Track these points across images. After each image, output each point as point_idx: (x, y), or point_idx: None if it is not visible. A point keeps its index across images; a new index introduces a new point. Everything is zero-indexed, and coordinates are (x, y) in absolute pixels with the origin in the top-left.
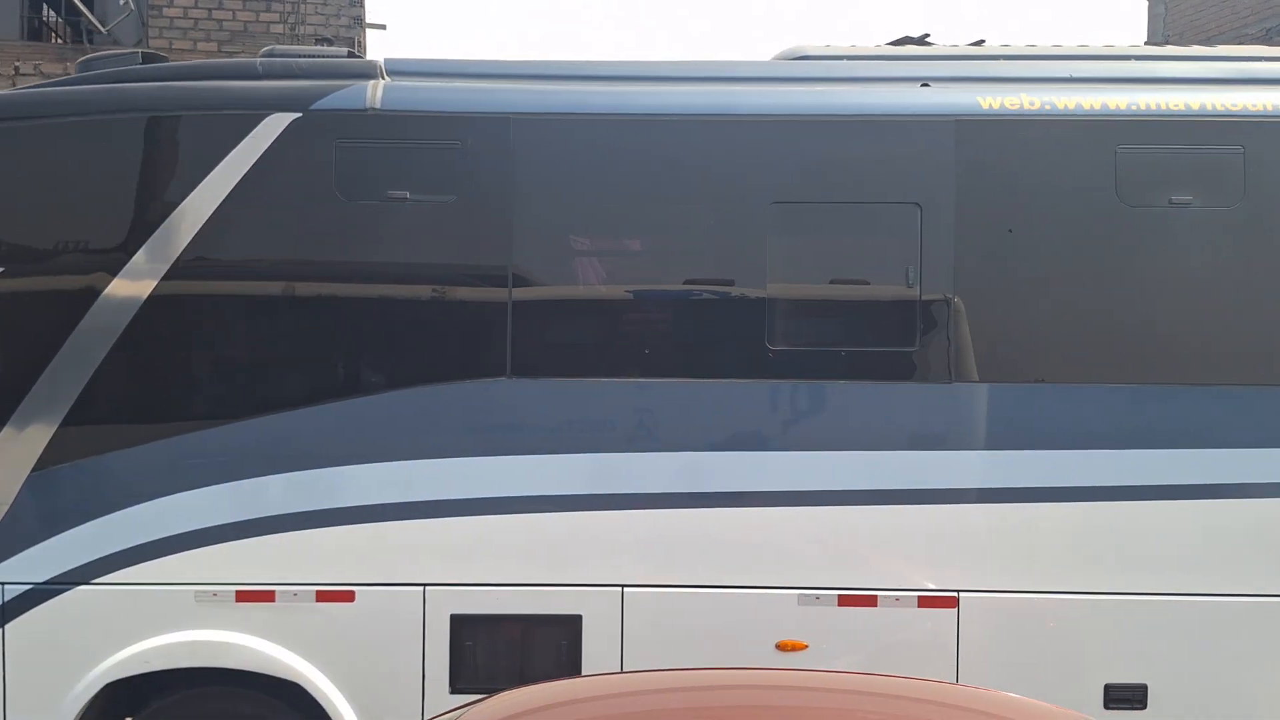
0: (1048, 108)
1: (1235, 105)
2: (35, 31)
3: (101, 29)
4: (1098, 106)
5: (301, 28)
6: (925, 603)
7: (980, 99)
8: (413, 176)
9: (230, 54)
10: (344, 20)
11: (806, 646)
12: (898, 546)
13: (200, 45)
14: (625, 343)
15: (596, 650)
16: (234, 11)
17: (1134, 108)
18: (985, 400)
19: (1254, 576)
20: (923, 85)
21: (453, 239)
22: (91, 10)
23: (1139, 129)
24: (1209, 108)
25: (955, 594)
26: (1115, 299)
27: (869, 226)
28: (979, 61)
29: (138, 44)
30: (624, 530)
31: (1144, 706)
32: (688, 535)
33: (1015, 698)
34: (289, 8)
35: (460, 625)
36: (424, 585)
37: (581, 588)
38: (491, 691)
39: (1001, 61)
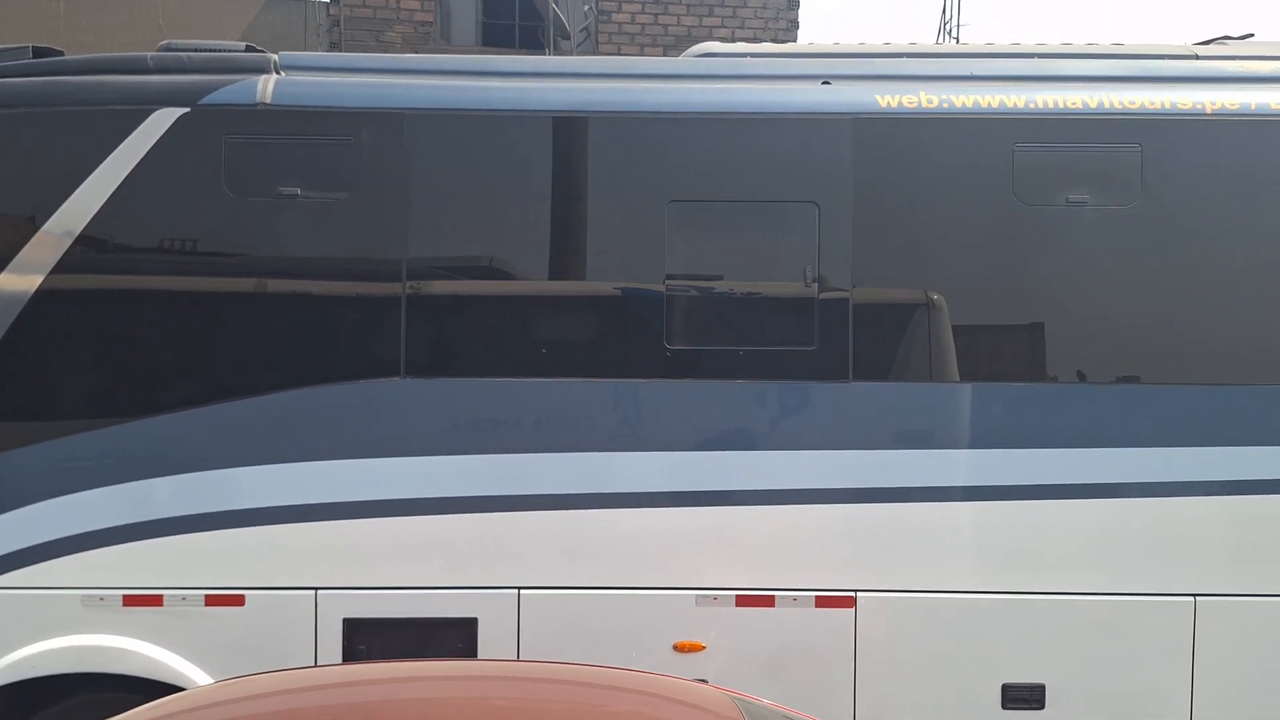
0: (945, 106)
1: (1133, 104)
2: (493, 37)
3: (568, 33)
4: (995, 105)
5: (740, 31)
6: (823, 603)
7: (879, 97)
8: (304, 173)
9: None
10: (782, 23)
11: (705, 647)
12: (796, 547)
13: (647, 51)
14: (522, 342)
15: (492, 653)
16: (678, 17)
17: (1032, 106)
18: (884, 399)
19: (1150, 575)
20: (824, 83)
21: (345, 236)
22: (552, 16)
23: (1036, 128)
24: (1107, 106)
25: (852, 594)
26: (1012, 297)
27: (767, 225)
28: (884, 60)
29: (582, 48)
30: (520, 532)
31: (1042, 707)
32: (585, 536)
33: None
34: (729, 12)
35: (353, 629)
36: (316, 589)
37: (477, 590)
38: None
39: (906, 59)
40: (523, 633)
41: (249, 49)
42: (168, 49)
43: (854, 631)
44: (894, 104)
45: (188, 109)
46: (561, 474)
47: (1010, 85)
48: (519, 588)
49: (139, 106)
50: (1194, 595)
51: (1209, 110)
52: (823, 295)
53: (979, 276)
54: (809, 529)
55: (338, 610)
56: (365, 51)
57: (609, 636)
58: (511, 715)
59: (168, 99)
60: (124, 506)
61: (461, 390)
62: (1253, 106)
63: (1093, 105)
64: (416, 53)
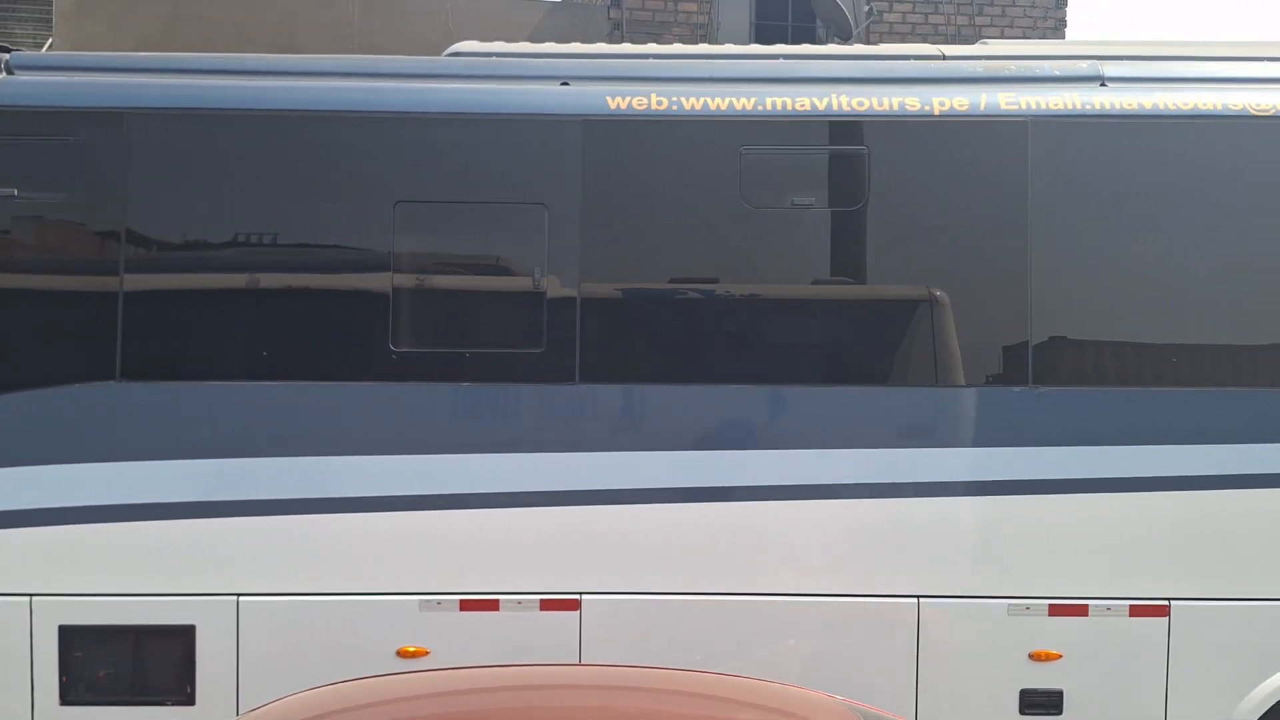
0: (674, 108)
1: (862, 105)
2: (766, 38)
3: (850, 32)
4: (724, 107)
5: (1009, 30)
6: (547, 606)
7: (609, 99)
8: (23, 172)
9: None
10: (1050, 23)
11: (429, 653)
12: (520, 550)
13: None
14: (243, 345)
15: (211, 661)
16: (949, 16)
17: (760, 108)
18: (610, 400)
19: (872, 576)
20: (563, 84)
21: (63, 237)
22: (832, 14)
23: (763, 130)
24: (835, 108)
25: (577, 596)
26: (740, 301)
27: (496, 227)
28: (628, 61)
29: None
30: (239, 538)
31: None
32: (306, 542)
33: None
34: (998, 11)
35: (70, 636)
36: (30, 595)
37: (195, 597)
38: (105, 705)
39: (651, 61)
40: (242, 641)
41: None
42: None
43: (579, 634)
44: (624, 105)
45: None
46: (281, 479)
47: (744, 87)
48: (238, 595)
49: None
50: (917, 597)
51: (937, 112)
52: (551, 297)
53: (707, 280)
54: (535, 532)
55: (53, 617)
56: None
57: (331, 643)
58: None
59: None
60: None
61: (178, 394)
62: (982, 107)
63: (821, 107)
64: None
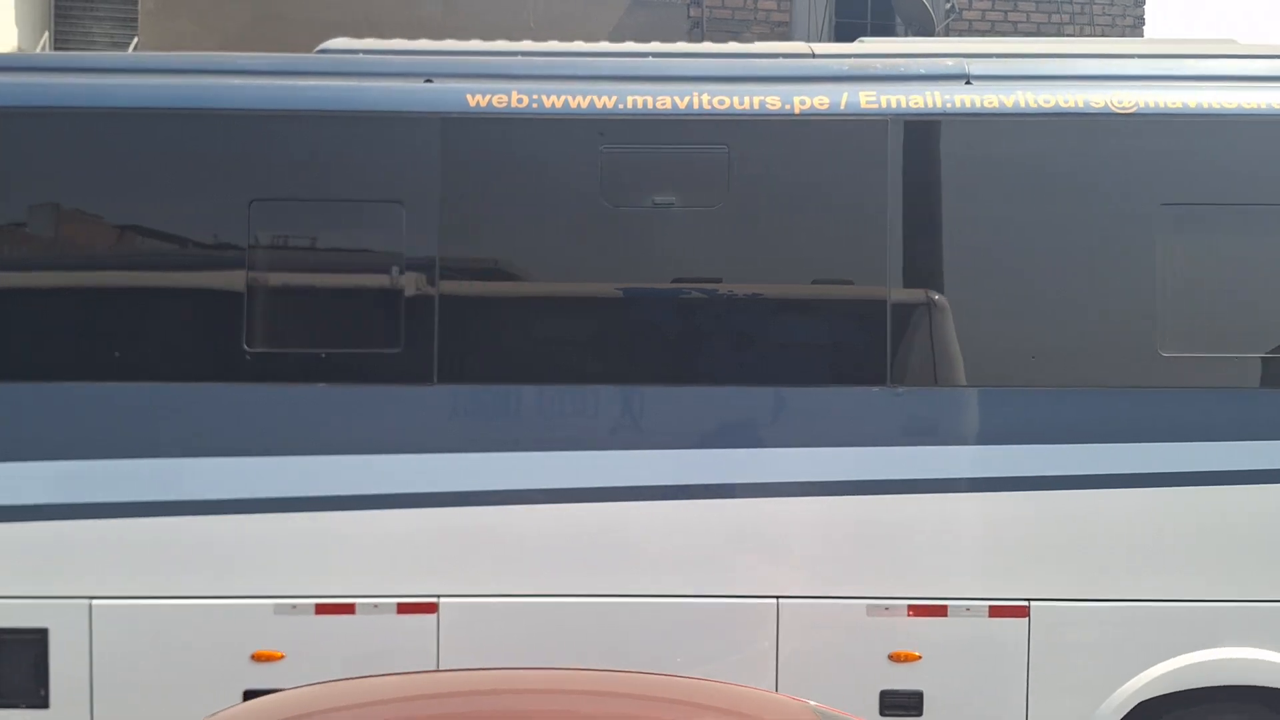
0: (535, 106)
1: (722, 104)
2: (845, 36)
3: (933, 29)
4: (585, 105)
5: (1089, 28)
6: (404, 609)
7: (469, 97)
8: None
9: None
10: (1129, 20)
11: (284, 656)
12: (378, 553)
13: None
14: (95, 345)
15: (65, 664)
16: (1027, 14)
17: (620, 107)
18: (468, 402)
19: (731, 577)
20: (426, 81)
21: None
22: (916, 11)
23: (623, 128)
24: (695, 107)
25: (435, 599)
26: (600, 300)
27: (353, 225)
28: (496, 58)
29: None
30: (92, 540)
31: None
32: (160, 544)
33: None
34: (1078, 8)
35: None
36: None
37: (47, 600)
38: None
39: (516, 58)
40: (96, 644)
41: None
42: None
43: (437, 637)
44: (484, 103)
45: None
46: (133, 481)
47: (607, 85)
48: (90, 598)
49: None
50: (776, 598)
51: (797, 111)
52: (408, 297)
53: (568, 279)
54: (393, 535)
55: None
56: None
57: (186, 647)
58: None
59: None
60: None
61: (30, 394)
62: (842, 105)
63: (682, 106)
64: None
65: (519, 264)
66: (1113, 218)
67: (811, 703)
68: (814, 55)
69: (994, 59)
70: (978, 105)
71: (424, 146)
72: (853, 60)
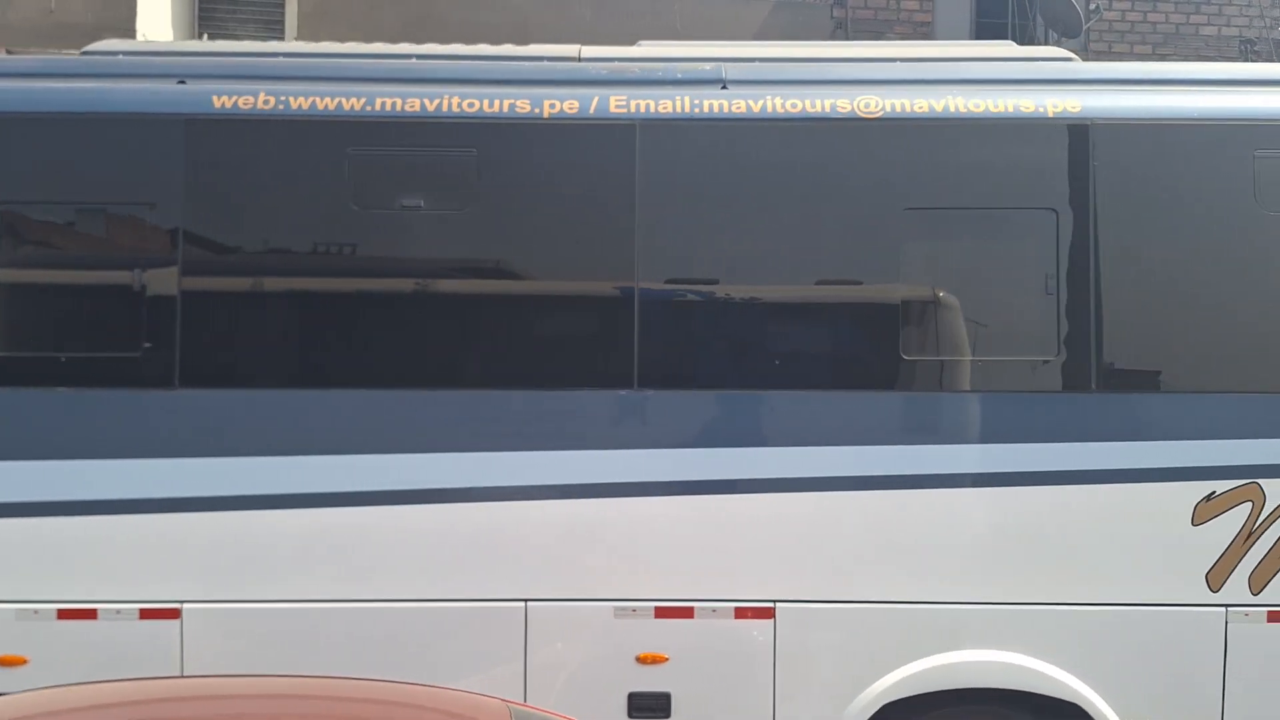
0: (281, 107)
1: (471, 107)
2: (987, 37)
3: (1078, 30)
4: (333, 107)
5: (1225, 29)
6: (147, 615)
7: (215, 98)
8: None
9: (1162, 56)
10: (1266, 21)
11: (27, 661)
12: (119, 558)
13: (1136, 48)
14: None
15: None
16: (1166, 14)
17: (369, 109)
18: (212, 405)
19: (480, 580)
20: (180, 82)
21: None
22: (1063, 12)
23: (371, 131)
24: (445, 109)
25: (178, 605)
26: (351, 302)
27: (100, 226)
28: (245, 59)
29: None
30: None
31: None
32: None
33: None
34: (1215, 9)
35: None
36: None
37: None
38: None
39: (268, 59)
40: None
41: None
42: None
43: (180, 643)
44: (229, 105)
45: None
46: None
47: (356, 87)
48: None
49: None
50: (524, 600)
51: (546, 114)
52: (150, 297)
53: (316, 281)
54: (135, 540)
55: None
56: None
57: None
58: None
59: None
60: None
61: None
62: (591, 110)
63: (430, 108)
64: None
65: (265, 268)
66: (858, 222)
67: (504, 700)
68: (580, 58)
69: (753, 64)
70: (725, 110)
71: (168, 148)
72: (613, 65)
